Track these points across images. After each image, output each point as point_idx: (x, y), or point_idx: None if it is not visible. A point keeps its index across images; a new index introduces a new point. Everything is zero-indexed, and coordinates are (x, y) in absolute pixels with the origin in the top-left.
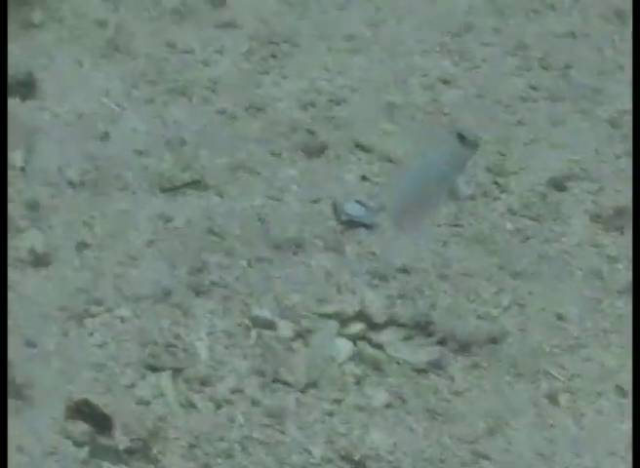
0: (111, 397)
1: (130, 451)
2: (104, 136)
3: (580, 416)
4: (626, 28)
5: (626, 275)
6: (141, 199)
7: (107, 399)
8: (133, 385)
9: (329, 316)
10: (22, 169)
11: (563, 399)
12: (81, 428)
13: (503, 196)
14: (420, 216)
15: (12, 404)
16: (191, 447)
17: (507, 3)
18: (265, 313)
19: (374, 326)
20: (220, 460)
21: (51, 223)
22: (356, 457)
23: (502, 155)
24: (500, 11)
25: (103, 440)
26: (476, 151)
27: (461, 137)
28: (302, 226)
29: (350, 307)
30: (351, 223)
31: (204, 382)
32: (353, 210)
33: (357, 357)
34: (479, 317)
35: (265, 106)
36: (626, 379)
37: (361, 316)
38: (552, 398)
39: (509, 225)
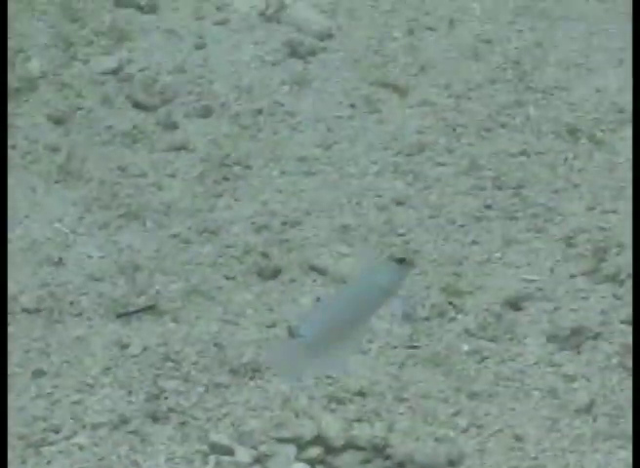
0: None
1: None
2: (58, 263)
3: None
4: (579, 146)
5: (583, 394)
6: (97, 325)
7: None
8: None
9: (287, 440)
10: None
11: None
12: None
13: (459, 316)
14: (338, 343)
15: None
16: None
17: (459, 122)
18: (223, 439)
19: (332, 449)
20: None
21: (7, 351)
22: None
23: (457, 275)
24: (453, 130)
25: None
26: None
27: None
28: (259, 350)
29: (308, 431)
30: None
31: None
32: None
33: None
34: (437, 439)
35: (219, 230)
36: None
37: (319, 440)
38: None
39: (465, 346)
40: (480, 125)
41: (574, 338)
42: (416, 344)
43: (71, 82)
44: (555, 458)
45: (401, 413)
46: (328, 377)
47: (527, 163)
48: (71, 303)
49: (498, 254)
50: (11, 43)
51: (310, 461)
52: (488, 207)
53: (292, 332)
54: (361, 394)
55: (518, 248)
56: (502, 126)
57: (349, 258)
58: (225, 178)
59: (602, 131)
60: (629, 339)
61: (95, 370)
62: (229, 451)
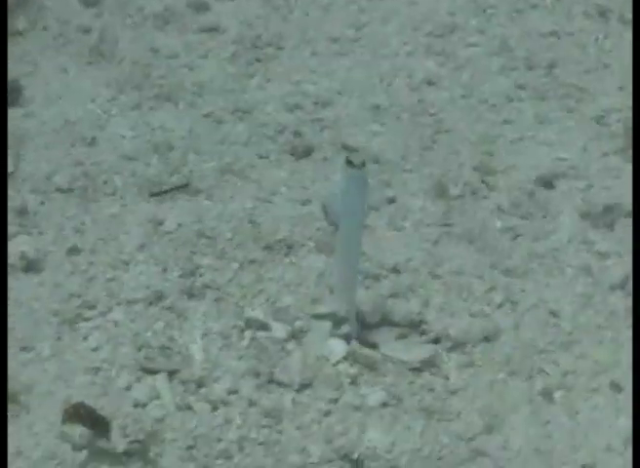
0: (108, 400)
1: (128, 454)
2: (92, 142)
3: (575, 413)
4: (609, 26)
5: (616, 270)
6: (131, 203)
7: (104, 402)
8: (129, 388)
9: (322, 316)
10: (11, 175)
11: (558, 395)
12: (79, 431)
13: (492, 194)
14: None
15: (9, 409)
16: (189, 448)
17: (490, 3)
18: (259, 314)
19: (367, 325)
20: (218, 461)
21: (41, 229)
22: (354, 456)
23: (489, 154)
24: (483, 11)
25: (101, 443)
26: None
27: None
28: (293, 227)
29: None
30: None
31: (200, 384)
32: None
33: (351, 356)
34: (472, 315)
35: (252, 109)
36: (621, 375)
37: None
38: (547, 395)
39: (499, 223)
40: (511, 6)
41: (606, 215)
42: (449, 222)
43: None
44: (590, 334)
45: (436, 289)
46: (362, 254)
47: (557, 43)
48: (105, 182)
49: (530, 133)
50: None
51: (345, 337)
52: (520, 87)
53: (325, 210)
54: (396, 270)
55: (550, 127)
56: (533, 7)
57: (382, 137)
58: (257, 59)
59: (631, 11)
60: None
61: (129, 247)
62: (265, 327)
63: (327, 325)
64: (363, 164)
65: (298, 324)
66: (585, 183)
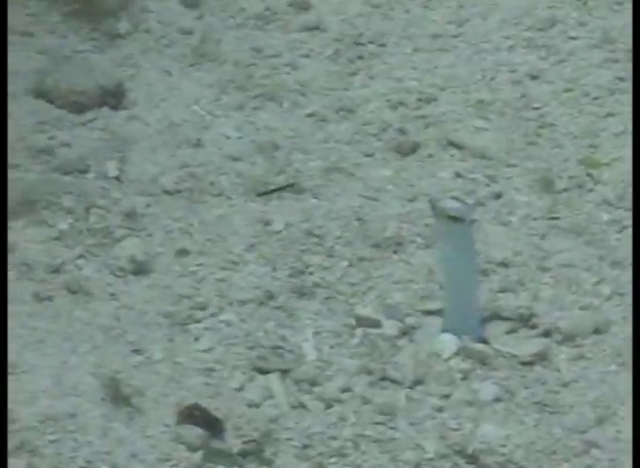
0: (222, 400)
1: (243, 454)
2: (197, 144)
3: None
4: None
5: None
6: (238, 204)
7: (218, 402)
8: (242, 388)
9: (432, 312)
10: (117, 178)
11: None
12: (194, 433)
13: (597, 187)
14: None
15: (122, 412)
16: (304, 447)
17: None
18: (369, 312)
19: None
20: (333, 459)
21: (149, 231)
22: (469, 451)
23: (593, 147)
24: (584, 4)
25: (217, 443)
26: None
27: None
28: (401, 224)
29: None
30: (449, 220)
31: (313, 382)
32: (451, 206)
33: (463, 352)
34: (582, 308)
35: (355, 108)
36: None
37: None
38: None
39: (605, 216)
40: None
41: None
42: (556, 215)
43: None
44: None
45: (545, 283)
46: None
47: None
48: (211, 183)
49: (633, 126)
50: None
51: (457, 332)
52: (621, 79)
53: (433, 206)
54: (504, 265)
55: None
56: None
57: (486, 132)
58: (360, 57)
59: None
60: None
61: (238, 248)
62: (376, 324)
63: (438, 320)
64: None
65: (408, 320)
66: None
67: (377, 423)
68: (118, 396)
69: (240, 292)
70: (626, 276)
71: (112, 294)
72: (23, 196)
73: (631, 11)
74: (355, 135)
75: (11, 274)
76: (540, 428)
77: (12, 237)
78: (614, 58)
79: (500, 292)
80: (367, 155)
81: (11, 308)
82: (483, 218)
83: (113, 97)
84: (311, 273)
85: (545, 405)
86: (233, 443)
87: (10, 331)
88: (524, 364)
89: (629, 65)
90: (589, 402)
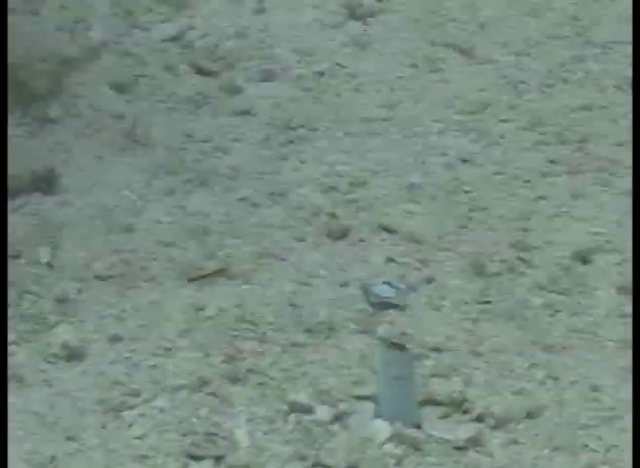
0: None
1: None
2: (129, 229)
3: None
4: None
5: None
6: (171, 289)
7: None
8: None
9: (365, 398)
10: (49, 264)
11: None
12: None
13: (529, 271)
14: None
15: None
16: None
17: (520, 79)
18: (302, 398)
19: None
20: None
21: (82, 317)
22: None
23: (525, 230)
24: (514, 87)
25: None
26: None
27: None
28: (333, 310)
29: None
30: (382, 305)
31: None
32: (383, 291)
33: (396, 437)
34: (514, 392)
35: (287, 192)
36: None
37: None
38: None
39: (537, 300)
40: (542, 81)
41: None
42: (488, 299)
43: (133, 50)
44: (631, 408)
45: (478, 368)
46: (403, 334)
47: (590, 117)
48: (143, 269)
49: (565, 209)
50: (70, 13)
51: (388, 417)
52: (552, 162)
53: (365, 291)
54: (437, 349)
55: (585, 201)
56: (563, 81)
57: (418, 216)
58: (291, 141)
59: None
60: None
61: (171, 334)
62: (309, 410)
63: (371, 406)
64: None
65: (341, 406)
66: (621, 257)
67: None
68: None
69: (173, 379)
70: (560, 360)
71: (46, 381)
72: None
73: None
74: (287, 219)
75: None
76: None
77: None
78: (545, 141)
79: (432, 376)
80: (299, 240)
81: None
82: (415, 303)
83: (45, 183)
84: (244, 359)
85: None
86: None
87: None
88: (457, 449)
89: (561, 147)
90: None
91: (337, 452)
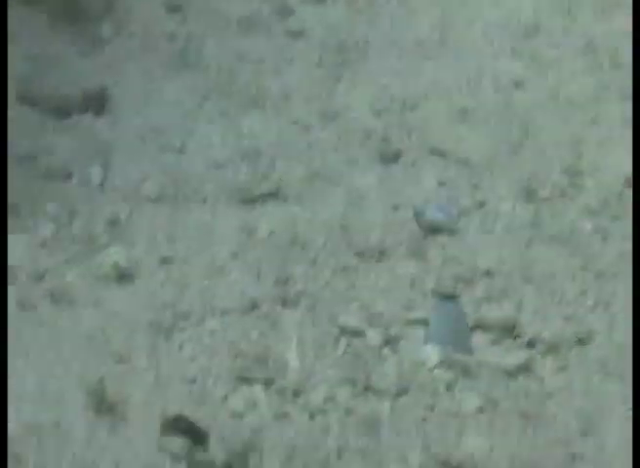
0: (205, 410)
1: (227, 465)
2: (180, 150)
3: None
4: None
5: None
6: (222, 211)
7: (202, 412)
8: (226, 398)
9: (416, 322)
10: (100, 185)
11: None
12: (178, 443)
13: (581, 196)
14: None
15: (106, 421)
16: (288, 458)
17: (574, 3)
18: (353, 321)
19: (461, 330)
20: None
21: (132, 239)
22: (454, 463)
23: (577, 155)
24: (568, 11)
25: (200, 454)
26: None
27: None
28: (385, 233)
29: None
30: (433, 229)
31: (296, 393)
32: (434, 215)
33: (446, 362)
34: (565, 318)
35: (339, 114)
36: None
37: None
38: None
39: (589, 225)
40: (595, 4)
41: None
42: (539, 224)
43: None
44: None
45: (528, 293)
46: (454, 258)
47: None
48: (195, 190)
49: (617, 134)
50: None
51: (440, 341)
52: (605, 87)
53: (417, 215)
54: (488, 274)
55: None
56: (617, 5)
57: (470, 140)
58: (343, 63)
59: None
60: None
61: (222, 256)
62: (360, 334)
63: (421, 330)
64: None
65: (392, 330)
66: None
67: (360, 434)
68: (102, 405)
69: (224, 301)
70: (610, 286)
71: (96, 302)
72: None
73: (614, 18)
74: (339, 141)
75: None
76: (524, 439)
77: None
78: (597, 66)
79: (483, 301)
80: (350, 162)
81: None
82: (466, 227)
83: (97, 103)
84: (295, 282)
85: (529, 416)
86: (217, 453)
87: None
88: (508, 374)
89: (614, 72)
90: (573, 412)
91: (387, 377)
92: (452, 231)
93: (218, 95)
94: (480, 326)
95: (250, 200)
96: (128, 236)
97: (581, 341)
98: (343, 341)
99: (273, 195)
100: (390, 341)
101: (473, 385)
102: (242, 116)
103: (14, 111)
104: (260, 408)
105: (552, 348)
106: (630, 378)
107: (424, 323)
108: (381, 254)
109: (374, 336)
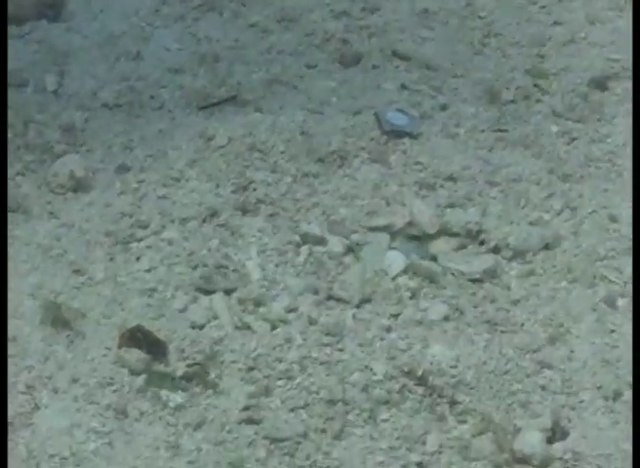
0: (164, 322)
1: (187, 377)
2: (137, 56)
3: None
4: None
5: None
6: (180, 118)
7: (161, 324)
8: (185, 309)
9: (379, 229)
10: (55, 92)
11: (621, 303)
12: (136, 356)
13: (546, 98)
14: None
15: (63, 335)
16: (249, 369)
17: None
18: (315, 229)
19: (425, 236)
20: (279, 382)
21: (89, 147)
22: (419, 372)
23: (541, 56)
24: None
25: (159, 367)
26: None
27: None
28: (346, 138)
29: (400, 219)
30: (395, 133)
31: (257, 302)
32: (396, 119)
33: (410, 269)
34: (531, 223)
35: (298, 17)
36: None
37: (411, 227)
38: (611, 302)
39: (554, 127)
40: None
41: None
42: (504, 127)
43: None
44: None
45: (493, 197)
46: (417, 163)
47: None
48: (152, 97)
49: (581, 34)
50: None
51: (403, 249)
52: None
53: (378, 119)
54: (452, 179)
55: (601, 27)
56: None
57: (432, 42)
58: None
59: None
60: None
61: (180, 164)
62: (321, 241)
63: (384, 237)
64: None
65: (354, 237)
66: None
67: (324, 344)
68: (58, 319)
69: (182, 210)
70: (577, 189)
71: (52, 212)
72: None
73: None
74: (298, 45)
75: None
76: (491, 348)
77: None
78: None
79: (447, 207)
80: (310, 66)
81: None
82: (429, 131)
83: (51, 9)
84: (255, 189)
85: (496, 323)
86: (177, 365)
87: None
88: (473, 281)
89: None
90: (541, 320)
91: (350, 285)
92: (414, 135)
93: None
94: (444, 231)
95: (208, 106)
96: (84, 144)
97: (548, 246)
98: (305, 249)
99: (232, 101)
100: (353, 249)
101: (438, 293)
102: (199, 20)
103: None
104: (221, 318)
105: (518, 254)
106: (599, 285)
107: (387, 229)
108: (343, 160)
109: (336, 244)
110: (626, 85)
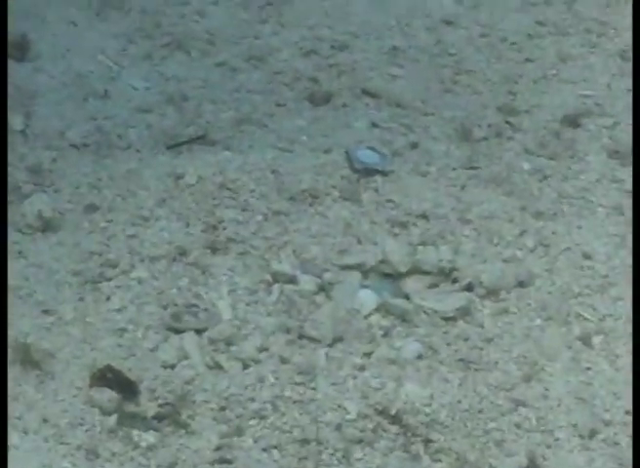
0: (135, 362)
1: (159, 417)
2: (104, 96)
3: (615, 357)
4: None
5: None
6: (148, 158)
7: (131, 364)
8: (156, 348)
9: (350, 267)
10: (23, 133)
11: (597, 340)
12: (107, 396)
13: (517, 135)
14: None
15: (32, 375)
16: (221, 409)
17: None
18: (286, 267)
19: (397, 275)
20: (252, 422)
21: (56, 187)
22: (393, 411)
23: (512, 94)
24: None
25: (131, 407)
26: None
27: None
28: (317, 177)
29: (372, 257)
30: (366, 171)
31: (229, 342)
32: (367, 157)
33: (383, 308)
34: (504, 260)
35: (266, 56)
36: None
37: (383, 265)
38: (585, 340)
39: (526, 165)
40: None
41: None
42: (475, 165)
43: None
44: (625, 276)
45: (466, 235)
46: (389, 201)
47: None
48: (120, 136)
49: (553, 71)
50: None
51: (375, 287)
52: (540, 23)
53: (349, 157)
54: (424, 217)
55: (573, 63)
56: None
57: (401, 80)
58: (269, 3)
59: None
60: None
61: (149, 203)
62: (293, 280)
63: (356, 275)
64: None
65: (326, 275)
66: (612, 121)
67: (296, 383)
68: (28, 359)
69: (152, 249)
70: (550, 227)
71: (20, 253)
72: None
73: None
74: (267, 84)
75: None
76: (465, 386)
77: None
78: (531, 2)
79: (419, 245)
80: (279, 105)
81: None
82: (400, 169)
83: (17, 50)
84: (225, 228)
85: (470, 362)
86: (148, 405)
87: None
88: (446, 319)
89: (547, 8)
90: (515, 358)
91: (322, 324)
92: (385, 173)
93: (141, 38)
94: (417, 270)
95: (176, 145)
96: (52, 185)
97: (522, 284)
98: (276, 288)
99: (201, 140)
100: (325, 287)
101: (411, 331)
102: (167, 59)
103: None
104: (192, 358)
105: (491, 292)
106: (574, 322)
107: (359, 268)
108: (314, 199)
109: (307, 282)
110: (599, 121)
